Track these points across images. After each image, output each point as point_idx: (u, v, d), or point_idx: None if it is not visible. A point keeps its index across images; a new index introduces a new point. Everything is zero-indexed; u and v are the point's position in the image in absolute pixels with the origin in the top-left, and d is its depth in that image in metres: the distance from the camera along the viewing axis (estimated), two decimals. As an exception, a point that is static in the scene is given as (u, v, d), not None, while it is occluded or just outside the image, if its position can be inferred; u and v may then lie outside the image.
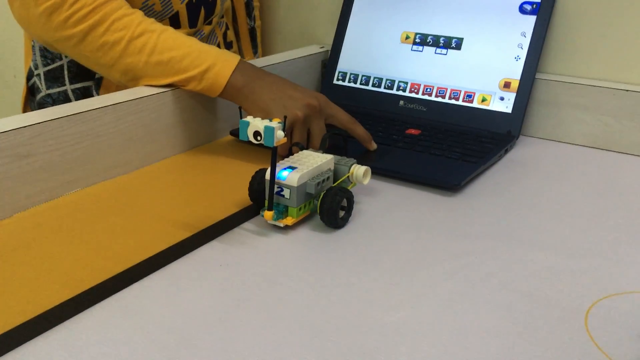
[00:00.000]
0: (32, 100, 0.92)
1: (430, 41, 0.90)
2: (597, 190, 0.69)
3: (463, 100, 0.87)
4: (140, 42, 0.72)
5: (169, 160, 0.74)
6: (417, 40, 0.91)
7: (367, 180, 0.62)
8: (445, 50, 0.89)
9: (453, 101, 0.87)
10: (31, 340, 0.42)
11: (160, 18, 0.83)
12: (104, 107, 0.66)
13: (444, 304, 0.48)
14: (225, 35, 0.97)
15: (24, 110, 0.94)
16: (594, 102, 0.83)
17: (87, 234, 0.56)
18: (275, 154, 0.55)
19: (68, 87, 0.85)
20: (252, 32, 1.04)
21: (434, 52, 0.90)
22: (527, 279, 0.51)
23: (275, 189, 0.57)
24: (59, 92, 0.86)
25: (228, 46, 0.98)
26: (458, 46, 0.88)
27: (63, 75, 0.85)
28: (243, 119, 0.55)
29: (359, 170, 0.61)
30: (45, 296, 0.47)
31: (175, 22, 0.86)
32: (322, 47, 1.04)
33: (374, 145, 0.75)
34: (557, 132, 0.86)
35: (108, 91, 0.84)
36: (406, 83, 0.91)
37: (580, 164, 0.78)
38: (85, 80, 0.86)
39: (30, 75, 0.90)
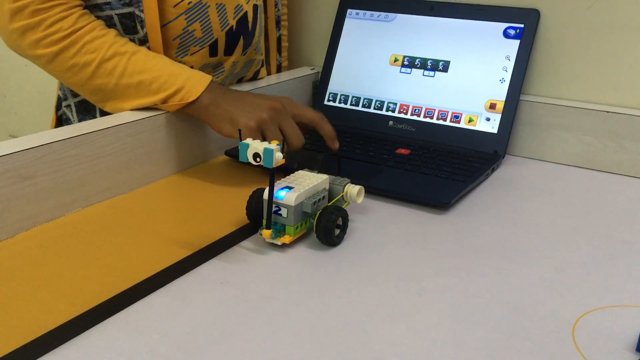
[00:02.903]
0: None
1: (418, 64, 0.93)
2: (580, 207, 0.72)
3: (450, 121, 0.90)
4: (111, 64, 0.73)
5: (166, 180, 0.76)
6: (406, 62, 0.94)
7: (360, 199, 0.64)
8: (433, 72, 0.92)
9: (441, 121, 0.90)
10: (37, 359, 0.43)
11: (200, 45, 0.83)
12: (104, 129, 0.68)
13: (437, 318, 0.50)
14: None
15: None
16: (575, 123, 0.86)
17: (89, 253, 0.58)
18: (274, 175, 0.57)
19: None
20: (278, 41, 1.03)
21: (422, 74, 0.93)
22: (515, 293, 0.54)
23: (273, 208, 0.58)
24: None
25: (259, 52, 0.96)
26: (445, 68, 0.91)
27: (94, 107, 0.84)
28: (243, 141, 0.56)
29: (353, 190, 0.63)
30: (50, 315, 0.48)
31: (212, 50, 0.85)
32: (313, 68, 1.06)
33: (336, 144, 0.78)
34: (541, 151, 0.89)
35: None
36: (395, 104, 0.94)
37: (564, 182, 0.81)
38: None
39: (59, 105, 0.89)
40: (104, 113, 0.83)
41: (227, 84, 0.92)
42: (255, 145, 0.56)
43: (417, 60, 0.93)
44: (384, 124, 0.94)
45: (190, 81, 0.74)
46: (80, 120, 0.86)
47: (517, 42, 0.87)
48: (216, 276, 0.55)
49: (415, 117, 0.92)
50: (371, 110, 0.96)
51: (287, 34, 1.05)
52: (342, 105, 0.98)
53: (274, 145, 0.56)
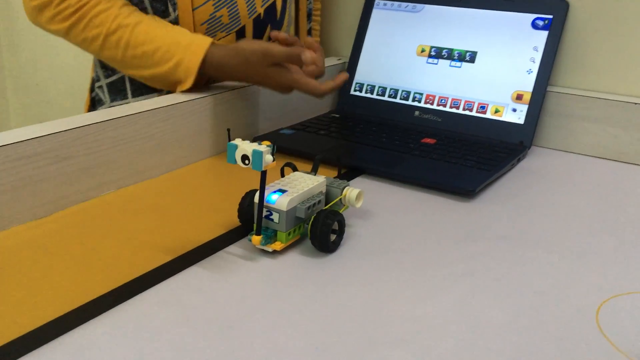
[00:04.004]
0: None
1: (445, 54, 0.94)
2: (605, 197, 0.72)
3: (477, 111, 0.90)
4: (116, 37, 0.77)
5: (196, 164, 0.78)
6: (433, 53, 0.95)
7: (359, 204, 0.61)
8: (460, 63, 0.92)
9: (467, 112, 0.91)
10: (78, 326, 0.45)
11: (226, 31, 0.85)
12: (138, 114, 0.70)
13: (459, 301, 0.50)
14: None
15: None
16: (602, 115, 0.86)
17: (121, 232, 0.60)
18: (265, 178, 0.53)
19: (130, 100, 0.87)
20: (308, 33, 1.05)
21: (448, 64, 0.93)
22: (538, 278, 0.54)
23: (265, 213, 0.55)
24: (121, 105, 0.88)
25: None
26: (472, 59, 0.91)
27: (125, 88, 0.87)
28: (231, 142, 0.52)
29: (351, 193, 0.60)
30: (84, 288, 0.50)
31: (240, 37, 0.87)
32: (340, 59, 1.07)
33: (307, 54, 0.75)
34: (568, 142, 0.89)
35: None
36: (421, 94, 0.95)
37: (590, 173, 0.81)
38: (149, 93, 0.86)
39: (92, 87, 0.92)
40: (134, 93, 0.86)
41: None
42: (243, 147, 0.51)
43: (444, 50, 0.94)
44: (410, 114, 0.95)
45: (188, 51, 0.76)
46: (112, 100, 0.89)
47: (545, 33, 0.87)
48: (196, 283, 0.51)
49: (441, 108, 0.93)
50: (397, 100, 0.96)
51: (319, 29, 1.07)
52: (368, 95, 0.99)
53: (263, 147, 0.51)
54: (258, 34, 0.88)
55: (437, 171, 0.75)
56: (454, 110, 0.92)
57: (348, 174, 0.77)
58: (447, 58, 0.93)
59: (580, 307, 0.50)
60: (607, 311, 0.50)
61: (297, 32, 1.02)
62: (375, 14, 1.00)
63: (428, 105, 0.94)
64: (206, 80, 0.84)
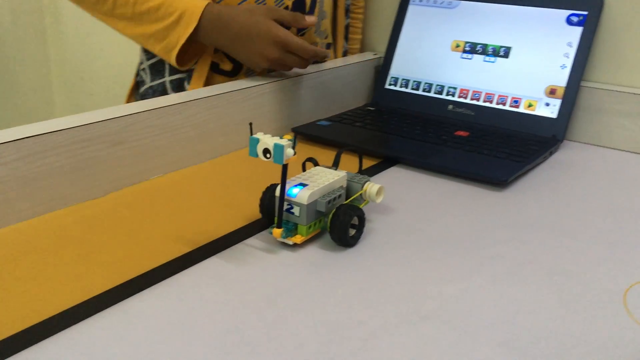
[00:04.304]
0: (136, 93, 1.00)
1: (479, 49, 0.96)
2: (636, 190, 0.74)
3: (510, 106, 0.92)
4: None
5: (236, 153, 0.82)
6: (467, 48, 0.97)
7: (380, 199, 0.61)
8: (494, 58, 0.94)
9: (500, 106, 0.93)
10: (137, 293, 0.49)
11: None
12: (186, 102, 0.74)
13: (489, 281, 0.53)
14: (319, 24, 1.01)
15: (128, 102, 1.02)
16: (636, 109, 0.87)
17: (167, 214, 0.63)
18: (286, 171, 0.54)
19: (167, 79, 0.94)
20: (346, 28, 1.08)
21: (482, 59, 0.95)
22: (567, 262, 0.56)
23: (286, 206, 0.56)
24: (158, 84, 0.94)
25: (321, 35, 1.01)
26: (506, 54, 0.93)
27: (164, 69, 0.94)
28: (253, 136, 0.53)
29: (372, 188, 0.60)
30: (131, 262, 0.54)
31: None
32: (376, 54, 1.10)
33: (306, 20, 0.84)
34: (600, 137, 0.90)
35: (197, 83, 0.91)
36: (455, 88, 0.97)
37: (622, 167, 0.82)
38: (181, 72, 0.93)
39: (138, 72, 1.00)
40: (172, 73, 0.92)
41: None
42: (265, 141, 0.53)
43: (479, 46, 0.96)
44: (443, 108, 0.97)
45: (189, 5, 0.82)
46: (151, 81, 0.95)
47: (580, 29, 0.89)
48: (218, 273, 0.53)
49: (474, 102, 0.95)
50: (431, 94, 0.99)
51: (361, 27, 1.10)
52: (402, 89, 1.02)
53: (285, 140, 0.52)
54: (285, 26, 0.92)
55: (470, 162, 0.78)
56: (487, 104, 0.94)
57: (382, 164, 0.80)
58: (481, 53, 0.95)
59: (608, 289, 0.52)
60: (635, 294, 0.52)
61: (334, 28, 1.05)
62: (411, 10, 1.03)
63: (461, 99, 0.96)
64: (202, 51, 0.89)
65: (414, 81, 1.01)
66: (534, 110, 0.90)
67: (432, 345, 0.44)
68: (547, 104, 0.89)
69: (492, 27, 0.95)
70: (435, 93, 0.98)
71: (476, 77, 0.95)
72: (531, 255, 0.58)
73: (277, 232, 0.55)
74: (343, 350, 0.43)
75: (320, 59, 0.88)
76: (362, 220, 0.58)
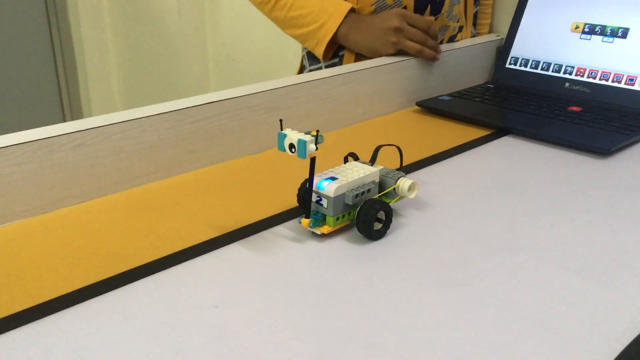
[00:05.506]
0: None
1: (598, 30, 1.01)
2: None
3: (625, 83, 0.97)
4: (284, 1, 1.02)
5: (369, 121, 0.96)
6: (586, 29, 1.03)
7: (413, 195, 0.62)
8: (612, 38, 1.00)
9: (615, 84, 0.98)
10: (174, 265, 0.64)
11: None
12: (322, 79, 0.89)
13: (581, 231, 0.62)
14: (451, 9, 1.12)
15: None
16: None
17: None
18: (314, 165, 0.57)
19: (322, 64, 1.11)
20: (474, 16, 1.20)
21: (601, 40, 1.01)
22: (654, 219, 0.64)
23: (315, 198, 0.59)
24: (316, 68, 1.12)
25: (454, 19, 1.13)
26: (624, 35, 0.98)
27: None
28: (281, 132, 0.56)
29: (405, 184, 0.62)
30: (189, 236, 0.64)
31: None
32: (498, 35, 1.18)
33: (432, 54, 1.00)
34: None
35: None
36: (573, 67, 1.03)
37: None
38: (334, 58, 1.10)
39: (302, 57, 1.19)
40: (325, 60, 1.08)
41: None
42: (291, 136, 0.56)
43: (597, 27, 1.01)
44: (560, 86, 1.04)
45: (332, 17, 0.99)
46: (311, 66, 1.14)
47: (700, 9, 0.91)
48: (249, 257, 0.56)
49: (590, 80, 1.01)
50: (549, 72, 1.06)
51: (489, 12, 1.20)
52: (522, 68, 1.09)
53: (308, 136, 0.55)
54: (419, 13, 1.04)
55: (577, 133, 0.85)
56: (603, 82, 0.99)
57: (495, 134, 0.90)
58: (599, 34, 1.01)
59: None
60: None
61: (466, 12, 1.16)
62: (534, -7, 1.10)
63: (578, 77, 1.02)
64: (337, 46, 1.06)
65: (534, 60, 1.08)
66: (649, 87, 0.95)
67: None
68: (663, 82, 0.93)
69: (612, 8, 1.00)
70: (553, 72, 1.05)
71: (594, 57, 1.01)
72: (624, 215, 0.66)
73: (305, 221, 0.58)
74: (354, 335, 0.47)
75: (432, 37, 1.01)
76: (389, 215, 0.60)
